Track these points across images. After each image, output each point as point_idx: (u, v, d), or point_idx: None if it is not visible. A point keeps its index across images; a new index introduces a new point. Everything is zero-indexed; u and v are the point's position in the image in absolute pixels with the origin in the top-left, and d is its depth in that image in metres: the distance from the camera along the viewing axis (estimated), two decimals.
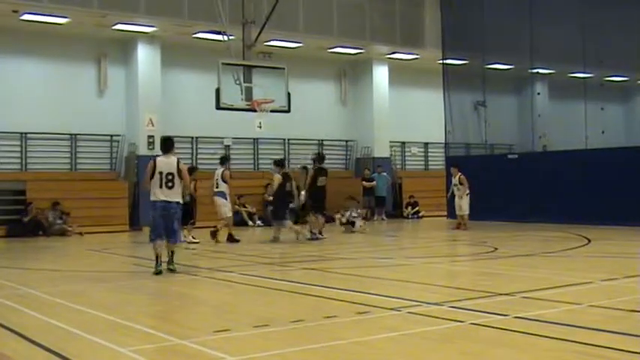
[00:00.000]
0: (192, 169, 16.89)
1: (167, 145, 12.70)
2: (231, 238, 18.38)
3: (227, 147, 27.81)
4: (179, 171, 12.34)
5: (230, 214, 18.70)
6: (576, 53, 25.25)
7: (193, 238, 18.10)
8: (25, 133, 24.05)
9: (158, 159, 12.49)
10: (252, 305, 9.21)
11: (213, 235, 18.41)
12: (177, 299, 9.97)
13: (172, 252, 12.59)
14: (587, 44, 24.88)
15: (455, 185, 21.85)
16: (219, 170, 18.31)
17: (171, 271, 12.37)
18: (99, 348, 6.73)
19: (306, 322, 7.68)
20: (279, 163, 19.37)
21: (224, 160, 19.04)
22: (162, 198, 12.27)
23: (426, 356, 6.35)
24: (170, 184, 12.26)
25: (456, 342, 6.74)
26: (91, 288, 11.12)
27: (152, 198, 12.40)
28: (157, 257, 12.31)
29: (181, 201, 12.68)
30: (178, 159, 12.66)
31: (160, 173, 12.28)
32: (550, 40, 25.69)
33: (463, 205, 21.51)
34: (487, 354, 6.28)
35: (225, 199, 18.25)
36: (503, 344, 6.60)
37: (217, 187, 18.08)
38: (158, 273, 12.15)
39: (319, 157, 19.90)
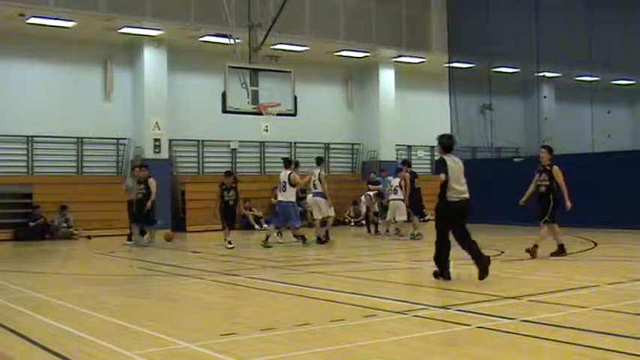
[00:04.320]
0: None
1: (285, 162, 18.68)
2: (322, 238, 18.74)
3: (233, 150, 27.84)
4: (289, 180, 17.73)
5: (333, 214, 19.55)
6: (583, 56, 25.23)
7: (230, 242, 17.98)
8: (32, 137, 24.11)
9: (281, 172, 18.14)
10: (258, 308, 9.20)
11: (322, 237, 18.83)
12: (184, 302, 9.96)
13: (296, 235, 18.07)
14: (593, 47, 24.86)
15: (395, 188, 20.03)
16: (316, 171, 18.82)
17: (305, 244, 17.80)
18: (105, 351, 6.72)
19: (312, 325, 7.67)
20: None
21: (320, 160, 19.59)
22: (279, 199, 18.11)
23: None
24: (284, 189, 17.83)
25: (463, 346, 6.73)
26: (98, 291, 11.13)
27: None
28: (267, 237, 17.86)
29: (294, 200, 18.00)
30: (291, 172, 17.91)
31: (280, 182, 18.01)
32: (556, 43, 25.65)
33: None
34: (494, 358, 6.26)
35: (325, 198, 18.81)
36: (509, 348, 6.58)
37: (315, 188, 18.76)
38: (268, 246, 17.53)
39: (408, 162, 21.21)
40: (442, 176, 10.97)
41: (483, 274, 10.63)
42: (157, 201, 19.34)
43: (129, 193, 19.86)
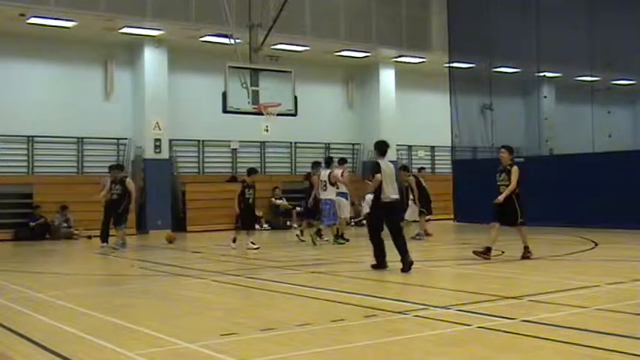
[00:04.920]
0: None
1: (326, 161, 19.38)
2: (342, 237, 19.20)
3: (234, 150, 27.84)
4: (329, 178, 18.39)
5: (349, 215, 20.38)
6: (583, 56, 25.21)
7: (253, 243, 17.88)
8: (32, 137, 24.11)
9: (322, 172, 18.73)
10: (259, 309, 9.21)
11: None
12: (184, 302, 9.97)
13: (319, 229, 18.68)
14: (594, 47, 24.83)
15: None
16: (339, 171, 19.07)
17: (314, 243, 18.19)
18: (106, 351, 6.73)
19: (313, 325, 7.67)
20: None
21: (343, 160, 19.98)
22: (321, 197, 18.47)
23: None
24: (324, 187, 18.44)
25: (464, 346, 6.72)
26: (98, 291, 11.14)
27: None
28: (338, 233, 18.70)
29: (333, 198, 18.39)
30: (331, 171, 18.57)
31: (320, 181, 18.58)
32: (557, 43, 25.62)
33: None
34: (494, 358, 6.26)
35: (347, 199, 19.42)
36: (510, 348, 6.58)
37: (338, 188, 19.00)
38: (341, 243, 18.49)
39: (407, 168, 21.44)
40: (378, 176, 12.17)
41: (406, 268, 12.01)
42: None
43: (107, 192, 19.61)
